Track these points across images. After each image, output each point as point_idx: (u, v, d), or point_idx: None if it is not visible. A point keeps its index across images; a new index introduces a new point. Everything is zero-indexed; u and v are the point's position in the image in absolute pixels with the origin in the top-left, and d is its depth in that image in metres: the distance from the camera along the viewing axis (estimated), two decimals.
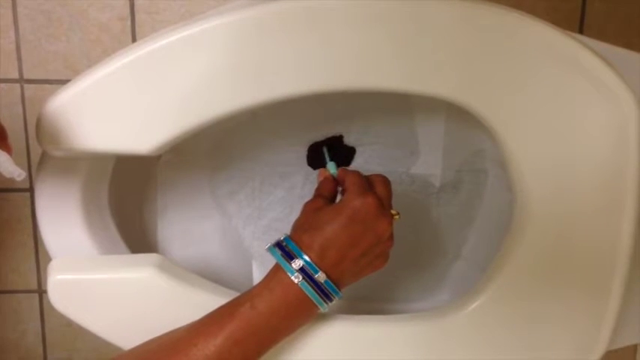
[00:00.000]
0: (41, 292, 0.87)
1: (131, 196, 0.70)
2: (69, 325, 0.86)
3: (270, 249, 0.51)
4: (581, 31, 0.80)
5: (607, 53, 0.51)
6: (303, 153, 0.73)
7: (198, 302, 0.54)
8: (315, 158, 0.72)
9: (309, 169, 0.73)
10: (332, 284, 0.49)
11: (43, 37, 0.78)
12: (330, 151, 0.71)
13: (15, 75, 0.78)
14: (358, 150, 0.73)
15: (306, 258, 0.49)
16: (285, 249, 0.50)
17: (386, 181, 0.53)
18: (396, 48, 0.50)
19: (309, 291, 0.48)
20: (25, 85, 0.79)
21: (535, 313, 0.55)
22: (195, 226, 0.74)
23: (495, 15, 0.49)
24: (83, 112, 0.50)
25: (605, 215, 0.53)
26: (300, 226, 0.51)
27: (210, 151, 0.72)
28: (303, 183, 0.74)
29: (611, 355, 0.58)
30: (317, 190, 0.56)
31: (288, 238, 0.51)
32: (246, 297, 0.49)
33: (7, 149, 0.43)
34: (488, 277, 0.56)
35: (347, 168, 0.56)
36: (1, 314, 0.88)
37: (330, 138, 0.72)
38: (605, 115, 0.51)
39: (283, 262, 0.49)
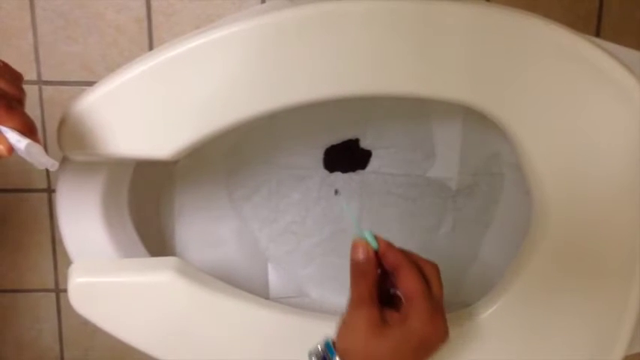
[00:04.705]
0: (58, 291, 0.88)
1: (149, 199, 0.70)
2: (85, 323, 0.86)
3: None
4: (597, 34, 0.80)
5: (623, 56, 0.51)
6: (319, 156, 0.73)
7: (217, 306, 0.54)
8: (331, 161, 0.73)
9: (326, 172, 0.74)
10: None
11: (60, 38, 0.78)
12: (346, 153, 0.71)
13: (33, 76, 0.79)
14: (374, 153, 0.73)
15: None
16: None
17: (439, 275, 0.46)
18: (413, 53, 0.50)
19: None
20: (43, 87, 0.79)
21: (553, 316, 0.55)
22: (211, 228, 0.74)
23: (510, 18, 0.50)
24: (104, 118, 0.51)
25: (624, 216, 0.53)
26: (354, 353, 0.44)
27: (227, 153, 0.72)
28: (320, 186, 0.74)
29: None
30: (359, 279, 0.45)
31: None
32: None
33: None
34: (506, 281, 0.56)
35: (393, 245, 0.46)
36: (19, 313, 0.88)
37: (346, 141, 0.72)
38: (622, 117, 0.51)
39: None
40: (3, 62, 0.45)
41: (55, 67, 0.79)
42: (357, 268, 0.45)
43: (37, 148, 0.42)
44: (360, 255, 0.45)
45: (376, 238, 0.45)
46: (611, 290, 0.54)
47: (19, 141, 0.41)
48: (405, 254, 0.45)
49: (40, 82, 0.79)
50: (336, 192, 0.75)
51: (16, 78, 0.45)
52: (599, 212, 0.53)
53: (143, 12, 0.78)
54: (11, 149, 0.41)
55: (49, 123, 0.80)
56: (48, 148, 0.78)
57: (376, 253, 0.45)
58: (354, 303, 0.44)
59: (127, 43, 0.79)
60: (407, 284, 0.44)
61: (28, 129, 0.43)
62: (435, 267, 0.46)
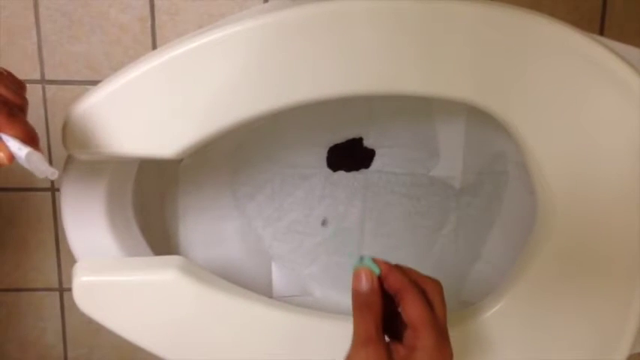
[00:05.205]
0: (62, 290, 0.88)
1: (153, 198, 0.70)
2: (89, 322, 0.86)
3: None
4: (601, 31, 0.80)
5: (627, 54, 0.51)
6: (323, 155, 0.73)
7: (221, 304, 0.54)
8: (334, 160, 0.73)
9: (329, 170, 0.74)
10: None
11: (64, 38, 0.78)
12: (349, 152, 0.71)
13: (37, 76, 0.79)
14: (377, 152, 0.73)
15: None
16: None
17: (442, 294, 0.44)
18: (416, 52, 0.50)
19: None
20: (47, 86, 0.79)
21: (557, 315, 0.55)
22: (215, 227, 0.74)
23: (514, 17, 0.49)
24: (108, 116, 0.51)
25: (629, 215, 0.52)
26: None
27: (231, 152, 0.72)
28: (323, 184, 0.74)
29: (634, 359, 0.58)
30: (364, 312, 0.42)
31: None
32: None
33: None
34: (509, 281, 0.56)
35: (392, 264, 0.44)
36: (22, 312, 0.89)
37: (349, 140, 0.72)
38: (626, 115, 0.51)
39: None
40: (6, 71, 0.45)
41: (59, 67, 0.79)
42: (361, 300, 0.42)
43: (38, 157, 0.42)
44: (364, 285, 0.42)
45: (376, 261, 0.42)
46: (615, 290, 0.54)
47: (19, 149, 0.41)
48: (406, 274, 0.43)
49: (44, 81, 0.79)
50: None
51: (18, 86, 0.45)
52: (603, 212, 0.53)
53: (147, 11, 0.78)
54: (12, 157, 0.41)
55: (53, 122, 0.80)
56: (52, 148, 0.79)
57: (378, 278, 0.42)
58: (360, 340, 0.41)
59: (131, 43, 0.79)
60: (411, 311, 0.42)
61: (29, 137, 0.43)
62: (438, 285, 0.44)
